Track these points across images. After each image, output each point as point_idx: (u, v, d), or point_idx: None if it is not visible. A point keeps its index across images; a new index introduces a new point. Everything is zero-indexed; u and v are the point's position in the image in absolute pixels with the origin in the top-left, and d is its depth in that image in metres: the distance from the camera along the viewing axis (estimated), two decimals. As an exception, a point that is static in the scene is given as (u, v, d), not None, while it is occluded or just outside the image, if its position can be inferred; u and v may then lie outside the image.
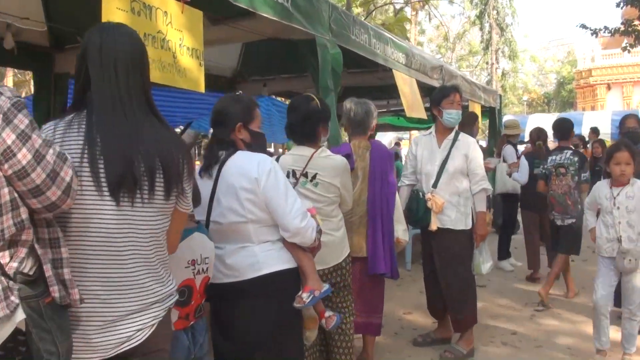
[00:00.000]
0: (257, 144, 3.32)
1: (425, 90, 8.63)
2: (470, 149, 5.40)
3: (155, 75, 3.44)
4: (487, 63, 47.05)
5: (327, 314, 3.58)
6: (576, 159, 7.03)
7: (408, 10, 37.61)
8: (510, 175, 8.76)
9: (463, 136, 5.49)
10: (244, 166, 3.12)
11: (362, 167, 4.74)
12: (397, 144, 23.30)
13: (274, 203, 3.08)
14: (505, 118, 17.30)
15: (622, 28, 15.39)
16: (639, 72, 43.28)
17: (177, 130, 9.85)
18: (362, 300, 4.77)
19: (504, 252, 9.45)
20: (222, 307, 3.25)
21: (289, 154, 4.13)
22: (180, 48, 3.83)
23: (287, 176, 3.92)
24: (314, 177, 3.95)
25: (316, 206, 3.88)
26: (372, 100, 11.42)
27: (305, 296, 3.19)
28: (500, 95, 13.76)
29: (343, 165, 4.07)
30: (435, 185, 5.34)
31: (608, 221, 5.13)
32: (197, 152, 18.67)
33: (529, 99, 60.53)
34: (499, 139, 11.36)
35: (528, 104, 59.77)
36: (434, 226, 5.29)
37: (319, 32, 5.39)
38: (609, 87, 44.43)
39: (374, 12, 26.33)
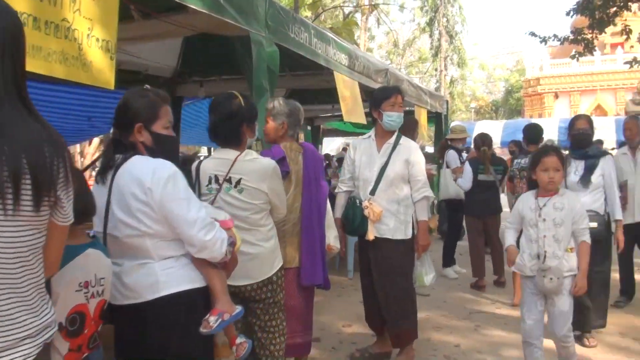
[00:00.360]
0: (162, 150, 2.88)
1: (369, 95, 8.34)
2: (412, 154, 5.12)
3: (57, 69, 3.05)
4: (436, 70, 47.43)
5: (239, 340, 3.21)
6: None
7: (359, 17, 37.69)
8: (456, 180, 8.65)
9: (405, 140, 5.21)
10: (137, 174, 2.72)
11: (296, 171, 4.40)
12: (345, 149, 23.08)
13: (174, 215, 2.71)
14: (452, 124, 17.36)
15: (572, 37, 15.41)
16: (586, 82, 44.77)
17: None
18: (295, 317, 4.41)
19: (448, 259, 9.26)
20: (124, 331, 2.88)
21: (211, 157, 3.78)
22: (88, 39, 3.42)
23: (209, 182, 3.64)
24: (238, 182, 3.61)
25: (242, 215, 3.58)
26: (319, 104, 11.30)
27: (212, 320, 2.82)
28: (447, 101, 13.67)
29: (270, 168, 3.73)
30: (373, 192, 5.05)
31: (532, 235, 4.57)
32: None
33: (477, 106, 61.12)
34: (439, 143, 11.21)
35: (476, 111, 60.33)
36: (371, 235, 5.01)
37: (254, 28, 5.08)
38: (556, 96, 45.60)
39: (323, 16, 26.22)
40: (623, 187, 6.87)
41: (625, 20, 14.31)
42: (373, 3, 33.94)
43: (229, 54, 5.98)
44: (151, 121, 2.87)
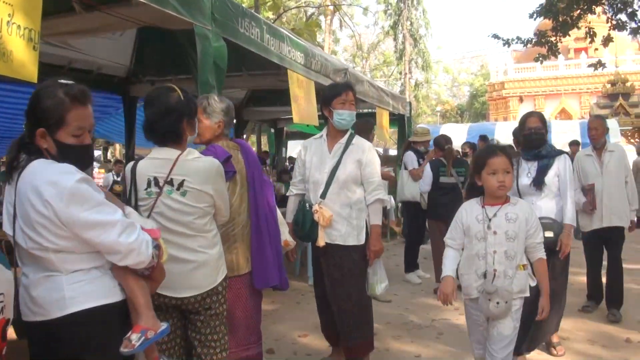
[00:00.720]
0: (68, 160, 2.50)
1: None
2: (365, 153, 4.80)
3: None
4: (400, 73, 47.60)
5: None
6: None
7: (324, 19, 37.56)
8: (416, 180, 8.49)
9: (358, 140, 4.90)
10: (36, 182, 2.39)
11: (239, 170, 4.08)
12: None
13: (87, 227, 2.41)
14: (416, 127, 17.21)
15: (535, 39, 15.35)
16: (550, 86, 45.28)
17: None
18: (248, 327, 4.11)
19: (411, 264, 8.99)
20: (37, 350, 2.53)
21: (148, 158, 3.40)
22: (8, 26, 3.12)
23: (148, 186, 3.29)
24: (181, 184, 3.27)
25: (185, 220, 3.28)
26: (280, 105, 11.01)
27: (135, 338, 2.51)
28: (410, 103, 13.47)
29: (215, 168, 3.41)
30: (323, 196, 4.74)
31: (479, 251, 3.89)
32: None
33: (442, 110, 61.34)
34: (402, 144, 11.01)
35: (442, 115, 60.54)
36: (321, 242, 4.70)
37: (199, 20, 4.81)
38: (521, 100, 45.97)
39: (285, 17, 25.91)
40: (589, 191, 6.69)
41: (589, 23, 14.34)
42: (335, 3, 33.68)
43: (183, 53, 5.73)
44: (56, 127, 2.51)
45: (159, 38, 6.57)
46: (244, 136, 17.55)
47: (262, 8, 20.25)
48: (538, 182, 5.24)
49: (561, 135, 20.98)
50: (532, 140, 5.37)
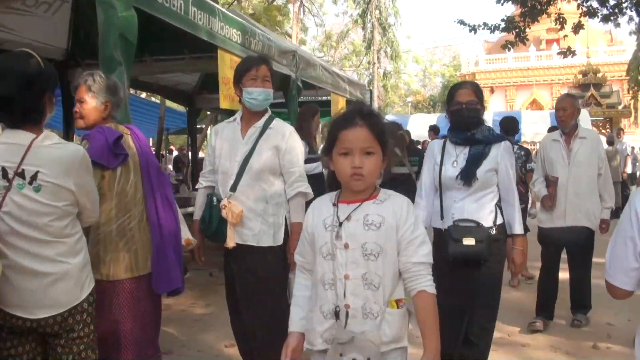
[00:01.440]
0: None
1: (275, 81, 7.60)
2: (285, 139, 4.00)
3: None
4: (369, 63, 47.39)
5: None
6: (522, 152, 7.93)
7: (292, 8, 36.98)
8: None
9: (277, 123, 4.10)
10: None
11: (131, 155, 3.45)
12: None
13: None
14: (387, 118, 16.57)
15: (503, 25, 14.97)
16: (521, 77, 46.01)
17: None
18: (133, 341, 3.45)
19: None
20: None
21: None
22: None
23: None
24: (34, 176, 2.60)
25: (40, 222, 2.63)
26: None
27: None
28: (371, 90, 12.88)
29: (79, 157, 2.76)
30: (234, 189, 3.94)
31: (324, 275, 2.47)
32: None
33: (414, 101, 61.15)
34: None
35: (414, 106, 60.34)
36: (230, 242, 3.91)
37: (99, -16, 4.14)
38: (492, 91, 46.31)
39: (246, 2, 25.09)
40: (552, 183, 5.80)
41: (559, 9, 14.03)
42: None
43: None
44: None
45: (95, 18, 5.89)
46: (204, 128, 16.84)
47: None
48: (467, 175, 4.02)
49: (531, 125, 20.71)
50: (463, 118, 4.11)
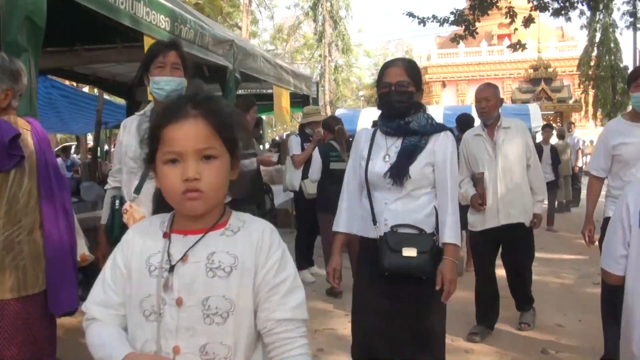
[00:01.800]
0: None
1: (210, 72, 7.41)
2: None
3: None
4: (320, 56, 47.59)
5: None
6: None
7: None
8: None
9: None
10: None
11: (28, 155, 3.02)
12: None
13: None
14: (337, 111, 16.28)
15: (452, 18, 14.94)
16: (473, 71, 46.85)
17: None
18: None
19: (303, 261, 7.88)
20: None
21: None
22: None
23: None
24: None
25: None
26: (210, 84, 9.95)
27: None
28: (317, 83, 12.54)
29: None
30: (138, 190, 3.51)
31: (146, 345, 1.67)
32: None
33: (366, 95, 61.24)
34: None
35: (366, 100, 60.35)
36: None
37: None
38: (444, 85, 47.42)
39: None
40: (478, 181, 5.32)
41: (510, 2, 14.04)
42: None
43: (59, 21, 4.68)
44: None
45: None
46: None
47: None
48: (399, 173, 3.34)
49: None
50: (390, 103, 3.43)
